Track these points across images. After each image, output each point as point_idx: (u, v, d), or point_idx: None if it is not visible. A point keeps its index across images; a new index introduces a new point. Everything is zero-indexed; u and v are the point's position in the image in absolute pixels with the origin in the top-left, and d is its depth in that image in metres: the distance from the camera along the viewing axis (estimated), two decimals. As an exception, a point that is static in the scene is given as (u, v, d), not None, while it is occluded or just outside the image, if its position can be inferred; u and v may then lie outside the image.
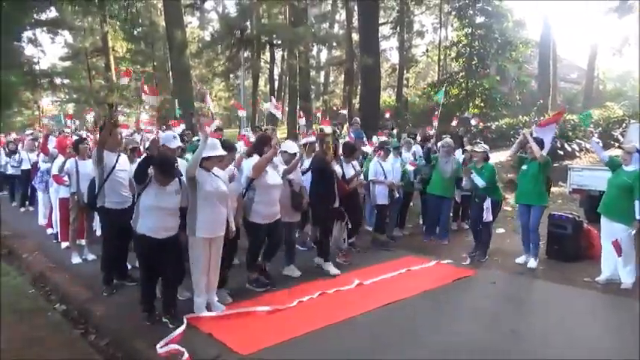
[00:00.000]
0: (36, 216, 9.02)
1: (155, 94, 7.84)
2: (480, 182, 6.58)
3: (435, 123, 10.06)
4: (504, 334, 4.21)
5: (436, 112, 10.32)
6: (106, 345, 4.18)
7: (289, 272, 5.84)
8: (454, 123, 12.25)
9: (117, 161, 5.29)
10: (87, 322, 4.65)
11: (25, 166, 10.47)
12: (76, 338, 4.26)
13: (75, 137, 8.45)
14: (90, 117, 17.99)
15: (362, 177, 7.15)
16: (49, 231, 7.90)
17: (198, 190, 4.36)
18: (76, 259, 6.43)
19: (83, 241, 6.75)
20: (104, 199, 5.19)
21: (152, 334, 4.08)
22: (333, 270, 5.94)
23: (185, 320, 4.24)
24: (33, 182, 9.03)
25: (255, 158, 5.23)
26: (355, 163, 7.07)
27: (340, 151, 6.59)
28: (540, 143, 6.28)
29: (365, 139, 10.08)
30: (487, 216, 6.59)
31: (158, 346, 3.81)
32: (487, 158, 6.87)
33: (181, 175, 4.39)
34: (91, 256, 6.52)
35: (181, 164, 5.55)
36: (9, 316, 4.26)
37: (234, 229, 4.78)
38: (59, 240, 7.17)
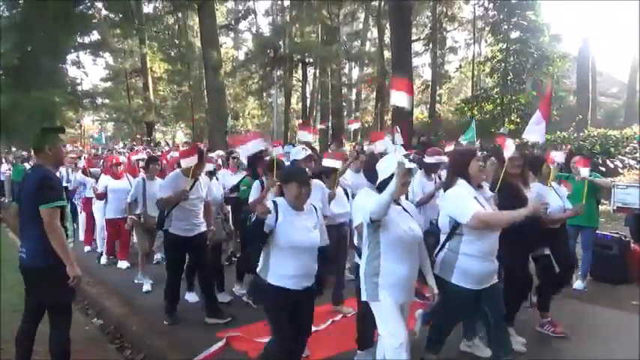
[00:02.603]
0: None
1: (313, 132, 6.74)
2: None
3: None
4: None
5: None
6: (141, 360, 4.20)
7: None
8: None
9: (191, 188, 4.74)
10: (123, 336, 4.70)
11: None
12: (111, 353, 4.31)
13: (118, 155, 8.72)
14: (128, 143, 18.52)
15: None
16: (87, 248, 8.25)
17: (383, 232, 3.00)
18: (146, 287, 5.97)
19: (126, 263, 7.06)
20: (170, 223, 4.79)
21: (188, 349, 4.09)
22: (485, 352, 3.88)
23: (223, 338, 4.24)
24: (73, 199, 9.10)
25: (461, 189, 3.31)
26: (561, 189, 4.96)
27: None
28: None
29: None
30: None
31: (193, 362, 3.81)
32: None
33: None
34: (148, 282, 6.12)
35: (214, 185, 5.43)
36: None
37: (435, 290, 3.20)
38: (106, 257, 7.37)
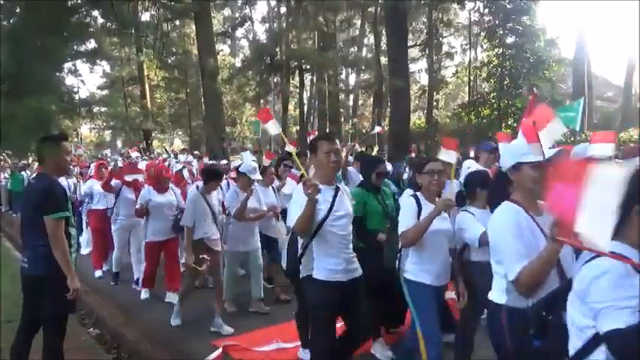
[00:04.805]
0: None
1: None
2: None
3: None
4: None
5: None
6: (137, 370, 4.16)
7: None
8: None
9: (334, 200, 2.99)
10: (119, 346, 4.66)
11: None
12: (108, 363, 4.28)
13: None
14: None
15: None
16: (98, 274, 7.05)
17: None
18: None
19: (176, 296, 5.41)
20: (311, 265, 2.99)
21: (185, 359, 4.06)
22: None
23: (219, 347, 4.21)
24: (80, 209, 8.13)
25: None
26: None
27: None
28: None
29: None
30: None
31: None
32: None
33: None
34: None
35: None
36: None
37: None
38: (147, 291, 5.95)
